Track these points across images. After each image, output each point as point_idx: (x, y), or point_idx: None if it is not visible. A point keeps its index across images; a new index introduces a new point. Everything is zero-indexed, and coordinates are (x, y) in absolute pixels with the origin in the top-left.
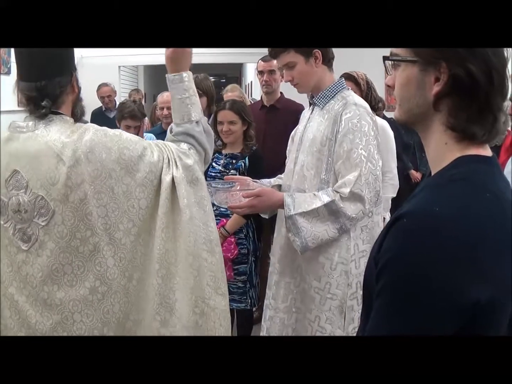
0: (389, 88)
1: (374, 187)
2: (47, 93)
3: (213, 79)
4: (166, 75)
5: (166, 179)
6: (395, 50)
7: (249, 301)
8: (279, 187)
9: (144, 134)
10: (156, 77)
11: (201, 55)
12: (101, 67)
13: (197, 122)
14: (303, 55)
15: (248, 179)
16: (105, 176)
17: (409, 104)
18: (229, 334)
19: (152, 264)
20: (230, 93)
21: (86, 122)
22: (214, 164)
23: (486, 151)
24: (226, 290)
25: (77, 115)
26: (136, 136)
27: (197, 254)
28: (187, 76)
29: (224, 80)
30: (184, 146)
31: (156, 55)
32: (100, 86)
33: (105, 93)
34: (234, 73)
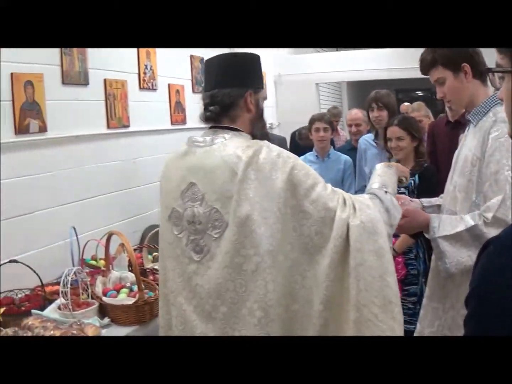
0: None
1: None
2: (216, 101)
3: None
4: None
5: (342, 216)
6: (499, 60)
7: None
8: (439, 207)
9: (330, 151)
10: (359, 93)
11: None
12: (299, 84)
13: (386, 192)
14: (451, 70)
15: (404, 198)
16: (273, 196)
17: None
18: None
19: (315, 304)
20: (416, 112)
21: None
22: None
23: None
24: None
25: (256, 136)
26: (312, 169)
27: (363, 304)
28: (393, 190)
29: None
30: (366, 196)
31: (356, 72)
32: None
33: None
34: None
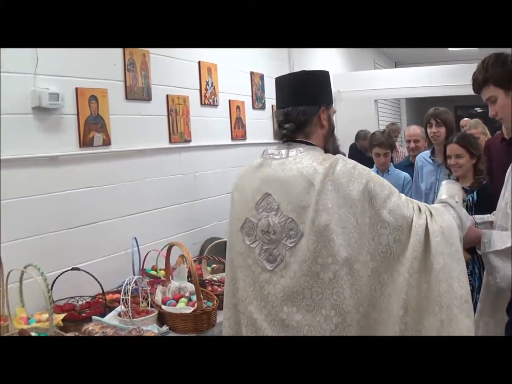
0: None
1: None
2: (291, 118)
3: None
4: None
5: (419, 222)
6: None
7: None
8: (491, 223)
9: (390, 167)
10: (418, 110)
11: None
12: (358, 101)
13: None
14: (502, 89)
15: None
16: (350, 206)
17: None
18: None
19: (395, 309)
20: (473, 129)
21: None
22: None
23: None
24: None
25: (328, 151)
26: (386, 181)
27: (446, 306)
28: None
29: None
30: (439, 205)
31: (414, 88)
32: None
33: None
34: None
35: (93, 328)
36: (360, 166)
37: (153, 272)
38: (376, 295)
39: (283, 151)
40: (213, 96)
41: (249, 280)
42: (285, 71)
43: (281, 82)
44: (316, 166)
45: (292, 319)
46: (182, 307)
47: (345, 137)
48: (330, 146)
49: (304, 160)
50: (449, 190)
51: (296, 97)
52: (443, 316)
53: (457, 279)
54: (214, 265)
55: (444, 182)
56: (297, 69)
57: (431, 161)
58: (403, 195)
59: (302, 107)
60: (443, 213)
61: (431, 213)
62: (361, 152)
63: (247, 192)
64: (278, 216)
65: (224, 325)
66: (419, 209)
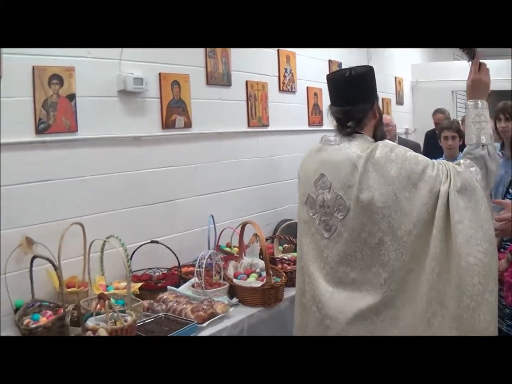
0: None
1: None
2: (351, 116)
3: None
4: (466, 103)
5: (442, 189)
6: None
7: None
8: None
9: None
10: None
11: None
12: (435, 91)
13: (483, 145)
14: None
15: (507, 203)
16: (389, 183)
17: None
18: (492, 327)
19: (428, 262)
20: None
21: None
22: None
23: None
24: (495, 287)
25: (377, 137)
26: (421, 155)
27: (467, 253)
28: (482, 104)
29: None
30: (462, 161)
31: (494, 81)
32: (435, 112)
33: (438, 120)
34: None
35: (167, 297)
36: (397, 149)
37: (227, 249)
38: (416, 254)
39: (338, 138)
40: (291, 83)
41: (312, 245)
42: (363, 60)
43: (335, 82)
44: (359, 152)
45: (348, 277)
46: (252, 281)
47: (421, 127)
48: (379, 133)
49: (352, 147)
50: (478, 129)
51: (353, 96)
52: (466, 263)
53: (481, 228)
54: (285, 245)
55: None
56: (375, 58)
57: (500, 154)
58: (435, 165)
59: (360, 106)
60: (461, 173)
61: (454, 175)
62: (435, 139)
63: (309, 172)
64: (330, 193)
65: (296, 284)
66: (447, 174)
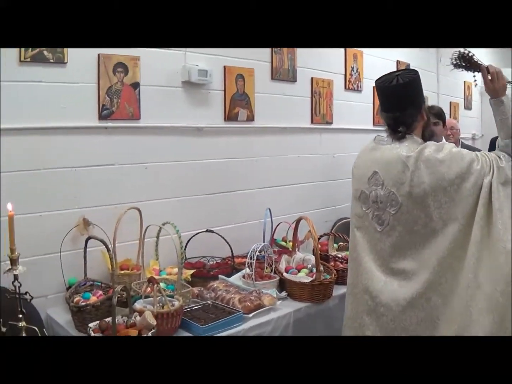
0: None
1: None
2: (401, 122)
3: None
4: (489, 100)
5: (486, 180)
6: None
7: None
8: None
9: None
10: None
11: None
12: None
13: None
14: None
15: None
16: (439, 179)
17: None
18: None
19: (469, 248)
20: None
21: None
22: None
23: None
24: None
25: (425, 137)
26: (466, 150)
27: (505, 240)
28: (505, 100)
29: None
30: (501, 155)
31: None
32: None
33: None
34: None
35: (218, 285)
36: (444, 147)
37: (283, 243)
38: (462, 242)
39: (390, 139)
40: (357, 82)
41: (366, 238)
42: (432, 62)
43: (383, 89)
44: (409, 152)
45: (400, 267)
46: (302, 276)
47: (489, 134)
48: (427, 133)
49: (402, 147)
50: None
51: (401, 103)
52: (500, 249)
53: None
54: (340, 243)
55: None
56: (445, 61)
57: None
58: (480, 158)
59: (409, 111)
60: (501, 161)
61: (492, 167)
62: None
63: (363, 169)
64: (383, 189)
65: (348, 274)
66: (491, 166)
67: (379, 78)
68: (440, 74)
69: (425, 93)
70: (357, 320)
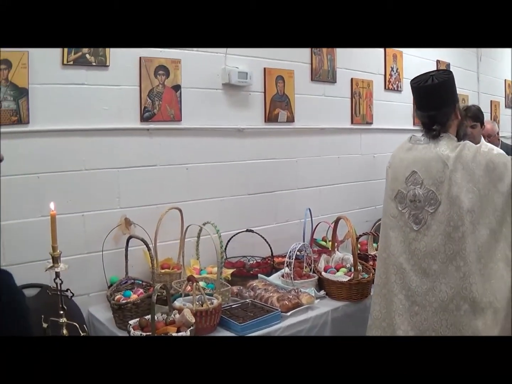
0: None
1: None
2: (436, 120)
3: None
4: None
5: None
6: None
7: None
8: None
9: None
10: None
11: None
12: None
13: None
14: None
15: None
16: (475, 181)
17: None
18: None
19: (500, 252)
20: None
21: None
22: None
23: None
24: None
25: (460, 136)
26: (502, 152)
27: None
28: None
29: None
30: None
31: None
32: None
33: None
34: None
35: (257, 284)
36: (481, 149)
37: (323, 243)
38: (488, 247)
39: (426, 138)
40: (397, 82)
41: (401, 238)
42: (472, 62)
43: (419, 89)
44: (449, 151)
45: (431, 268)
46: (340, 276)
47: None
48: (461, 132)
49: (441, 146)
50: None
51: (436, 102)
52: None
53: None
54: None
55: None
56: (485, 60)
57: None
58: None
59: (443, 110)
60: None
61: None
62: None
63: (399, 169)
64: (422, 188)
65: (375, 274)
66: None
67: (414, 78)
68: (480, 73)
69: (465, 92)
70: (386, 320)
